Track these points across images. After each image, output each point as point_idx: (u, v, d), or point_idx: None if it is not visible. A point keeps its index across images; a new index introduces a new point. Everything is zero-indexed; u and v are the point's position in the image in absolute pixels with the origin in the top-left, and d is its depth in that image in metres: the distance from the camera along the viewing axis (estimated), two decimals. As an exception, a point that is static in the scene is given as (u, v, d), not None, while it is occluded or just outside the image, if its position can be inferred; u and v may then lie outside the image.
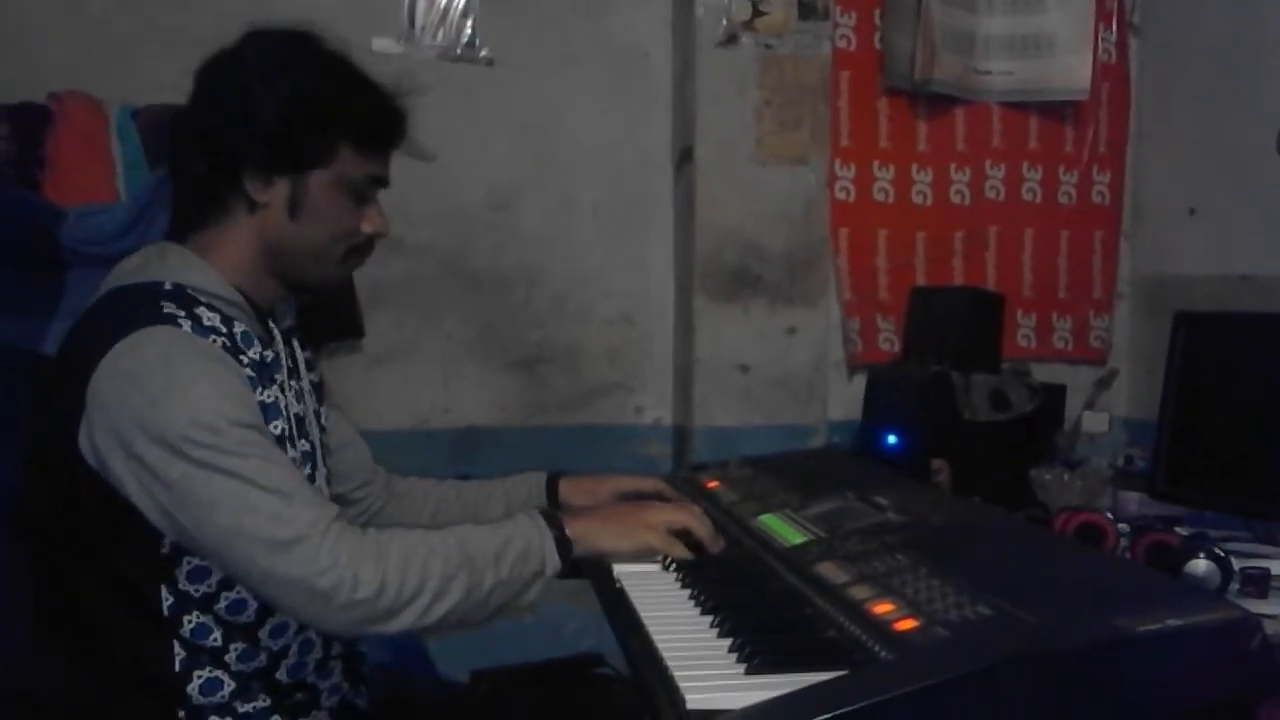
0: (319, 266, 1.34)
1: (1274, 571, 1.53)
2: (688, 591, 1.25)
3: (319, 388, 1.49)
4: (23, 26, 2.24)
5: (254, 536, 1.14)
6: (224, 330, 1.25)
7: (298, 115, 1.26)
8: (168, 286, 1.24)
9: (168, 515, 1.17)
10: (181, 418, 1.14)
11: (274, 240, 1.30)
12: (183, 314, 1.21)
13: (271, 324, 1.35)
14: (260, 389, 1.27)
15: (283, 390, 1.33)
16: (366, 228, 1.35)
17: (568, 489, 1.65)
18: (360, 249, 1.36)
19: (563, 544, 1.29)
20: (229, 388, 1.20)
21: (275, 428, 1.28)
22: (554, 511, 1.34)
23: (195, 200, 1.32)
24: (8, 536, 1.30)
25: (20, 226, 1.91)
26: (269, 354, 1.32)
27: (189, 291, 1.24)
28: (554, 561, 1.28)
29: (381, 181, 1.36)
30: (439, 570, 1.19)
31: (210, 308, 1.25)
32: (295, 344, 1.42)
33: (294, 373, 1.38)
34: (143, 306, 1.21)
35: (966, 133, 2.76)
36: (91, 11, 2.27)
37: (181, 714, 1.24)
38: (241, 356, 1.25)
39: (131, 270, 1.28)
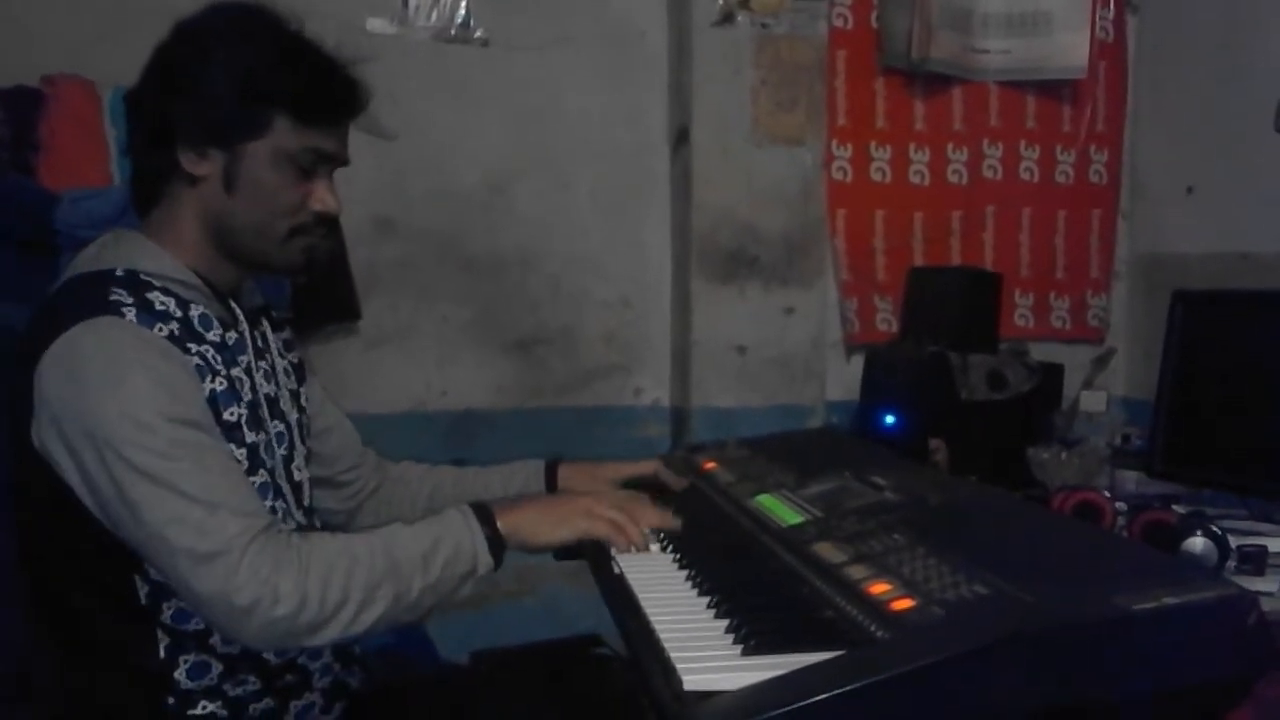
0: (260, 244, 1.29)
1: (1271, 549, 1.54)
2: (685, 572, 1.24)
3: (299, 368, 1.48)
4: (15, 9, 2.22)
5: (175, 546, 1.12)
6: (178, 315, 1.22)
7: (229, 84, 1.23)
8: (119, 273, 1.22)
9: (103, 511, 1.17)
10: (113, 413, 1.13)
11: (213, 216, 1.27)
12: (130, 301, 1.19)
13: (234, 305, 1.33)
14: (214, 376, 1.24)
15: (248, 372, 1.31)
16: (314, 205, 1.30)
17: (566, 475, 1.64)
18: (307, 228, 1.31)
19: (494, 541, 1.26)
20: (168, 381, 1.17)
21: (231, 414, 1.25)
22: (486, 505, 1.29)
23: (141, 178, 1.31)
24: (6, 524, 1.29)
25: (15, 211, 1.90)
26: (231, 335, 1.30)
27: (142, 277, 1.22)
28: (486, 560, 1.25)
29: (330, 157, 1.30)
30: (363, 580, 1.16)
31: (165, 292, 1.23)
32: (266, 324, 1.40)
33: (263, 353, 1.36)
34: (90, 296, 1.19)
35: (964, 112, 2.75)
36: (83, -7, 2.26)
37: (171, 700, 1.24)
38: (191, 345, 1.22)
39: (89, 258, 1.26)
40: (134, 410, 1.13)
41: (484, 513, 1.28)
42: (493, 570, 1.26)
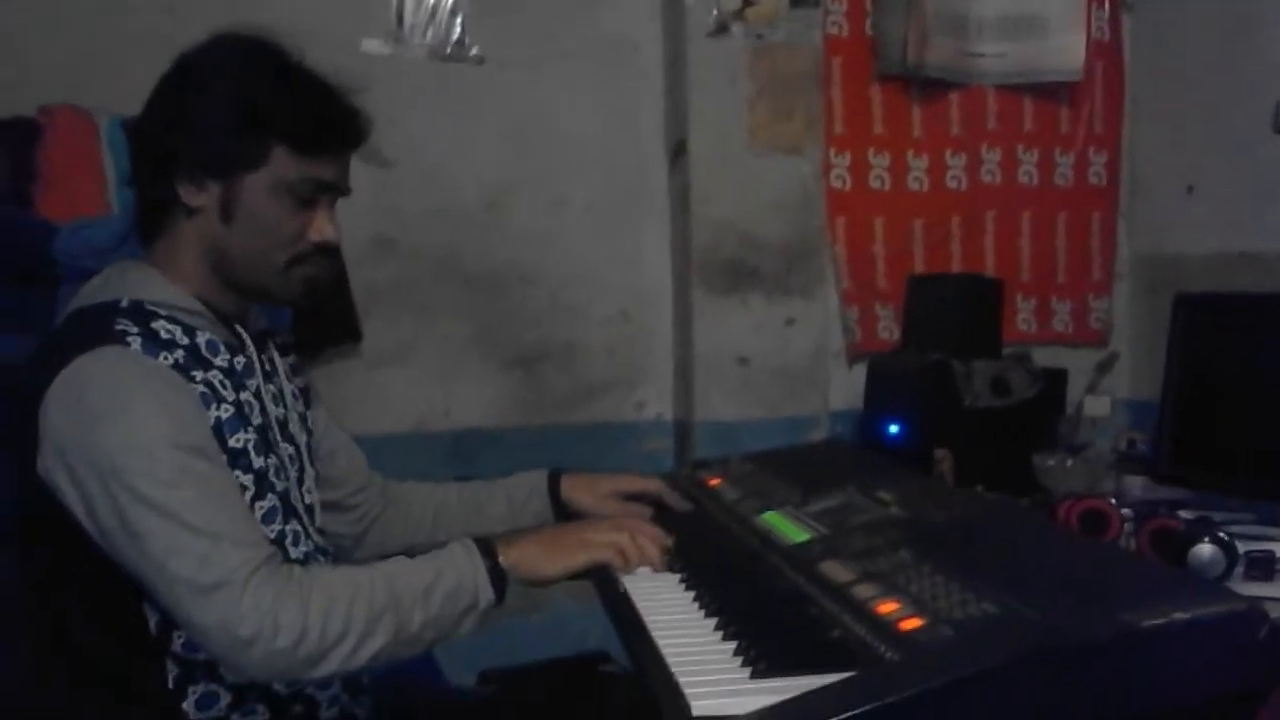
0: (259, 275, 1.29)
1: (1279, 554, 1.53)
2: (692, 594, 1.24)
3: (305, 392, 1.48)
4: (10, 39, 2.22)
5: (177, 577, 1.12)
6: (184, 342, 1.23)
7: (227, 115, 1.24)
8: (124, 304, 1.22)
9: (106, 541, 1.16)
10: (117, 442, 1.13)
11: (211, 247, 1.28)
12: (135, 330, 1.20)
13: (241, 330, 1.33)
14: (220, 403, 1.24)
15: (257, 395, 1.31)
16: (313, 235, 1.30)
17: (569, 486, 1.64)
18: (306, 258, 1.31)
19: (496, 574, 1.25)
20: (173, 409, 1.17)
21: (238, 440, 1.25)
22: (489, 540, 1.29)
23: (143, 208, 1.31)
24: (11, 557, 1.29)
25: (14, 242, 1.90)
26: (240, 360, 1.30)
27: (147, 306, 1.23)
28: (487, 594, 1.24)
29: (331, 187, 1.31)
30: (364, 613, 1.16)
31: (171, 320, 1.23)
32: (273, 348, 1.40)
33: (271, 376, 1.37)
34: (95, 327, 1.20)
35: (961, 117, 2.75)
36: (78, 22, 2.25)
37: None
38: (196, 372, 1.22)
39: (93, 290, 1.27)
40: (139, 439, 1.14)
41: (486, 546, 1.28)
42: (494, 604, 1.26)
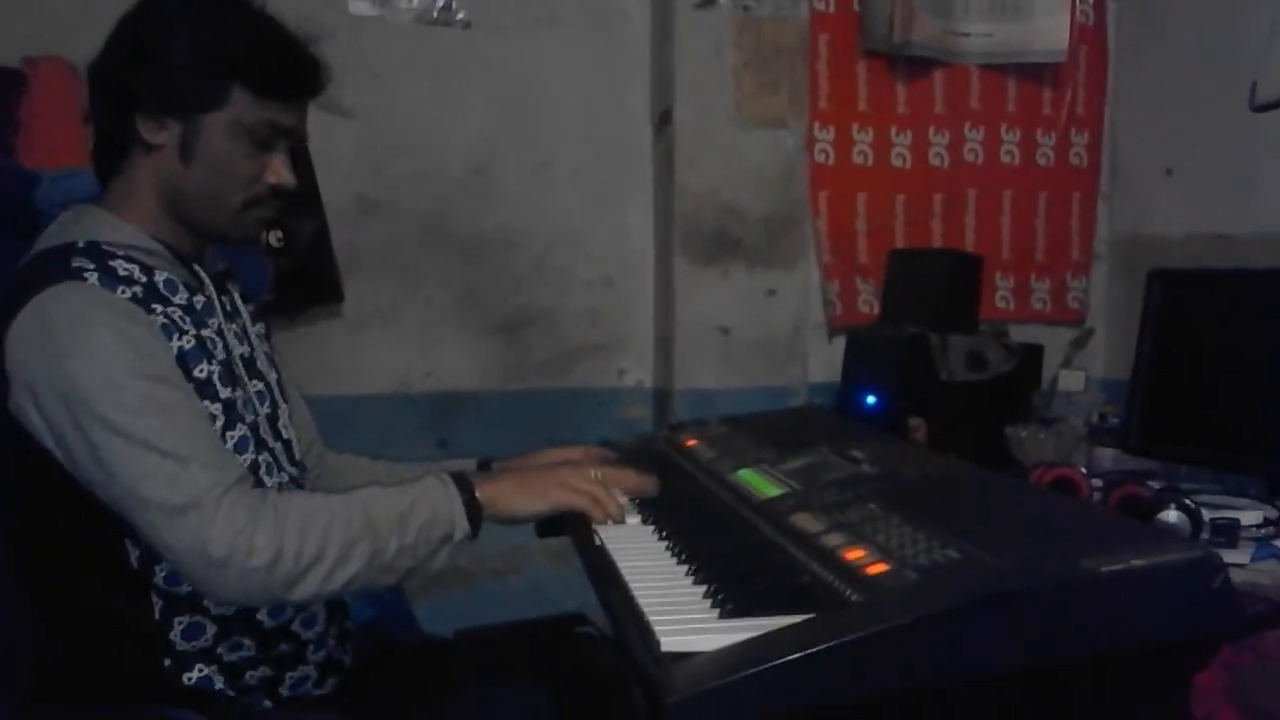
0: (214, 215, 1.31)
1: (1243, 522, 1.56)
2: (665, 544, 1.26)
3: (267, 337, 1.49)
4: (-6, -8, 2.21)
5: (149, 501, 1.14)
6: (142, 280, 1.24)
7: (189, 54, 1.25)
8: (81, 245, 1.23)
9: (79, 472, 1.18)
10: (81, 373, 1.15)
11: (168, 186, 1.29)
12: (92, 267, 1.21)
13: (199, 269, 1.34)
14: (182, 335, 1.25)
15: (219, 333, 1.32)
16: (270, 179, 1.31)
17: (500, 472, 1.64)
18: (262, 201, 1.33)
19: (472, 508, 1.27)
20: (134, 341, 1.19)
21: (201, 371, 1.26)
22: (465, 475, 1.32)
23: (102, 147, 1.32)
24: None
25: (-3, 189, 1.90)
26: (199, 299, 1.31)
27: (104, 247, 1.24)
28: (463, 526, 1.26)
29: (288, 132, 1.32)
30: (339, 536, 1.18)
31: (128, 259, 1.24)
32: (233, 290, 1.41)
33: (233, 316, 1.38)
34: (53, 266, 1.21)
35: (945, 95, 2.76)
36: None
37: (167, 662, 1.25)
38: (156, 306, 1.23)
39: (51, 234, 1.28)
40: (102, 369, 1.15)
41: (462, 481, 1.30)
42: (470, 538, 1.27)
